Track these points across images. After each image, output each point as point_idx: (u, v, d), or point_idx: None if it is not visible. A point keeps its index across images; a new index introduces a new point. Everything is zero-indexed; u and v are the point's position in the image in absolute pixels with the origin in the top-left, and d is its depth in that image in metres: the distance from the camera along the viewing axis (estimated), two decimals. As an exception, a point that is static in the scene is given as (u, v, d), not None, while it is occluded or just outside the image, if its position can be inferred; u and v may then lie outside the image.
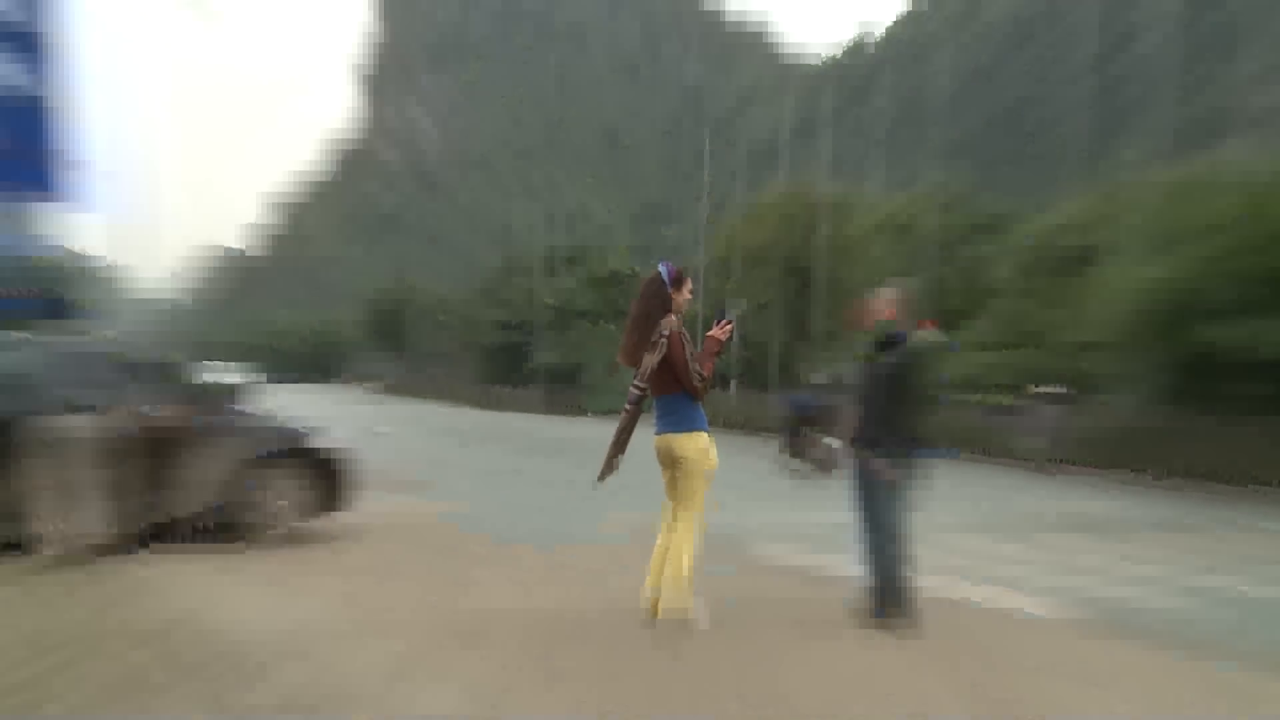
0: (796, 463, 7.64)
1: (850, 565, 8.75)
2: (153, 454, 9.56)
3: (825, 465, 7.66)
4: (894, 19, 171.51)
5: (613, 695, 5.47)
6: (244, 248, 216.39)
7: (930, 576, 8.51)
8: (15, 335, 10.44)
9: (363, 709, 5.08)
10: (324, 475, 10.43)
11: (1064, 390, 26.49)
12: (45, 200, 23.23)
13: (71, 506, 9.10)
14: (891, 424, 7.29)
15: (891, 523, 7.32)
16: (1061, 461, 25.10)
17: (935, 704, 5.53)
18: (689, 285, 7.20)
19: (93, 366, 9.18)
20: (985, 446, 29.78)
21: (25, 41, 16.55)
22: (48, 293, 9.86)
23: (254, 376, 55.10)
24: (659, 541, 7.22)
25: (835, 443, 7.52)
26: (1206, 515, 17.37)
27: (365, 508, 11.42)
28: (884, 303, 7.56)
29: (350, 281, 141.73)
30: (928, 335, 7.55)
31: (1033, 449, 25.61)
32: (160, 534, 9.80)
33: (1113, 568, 11.09)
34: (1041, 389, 26.58)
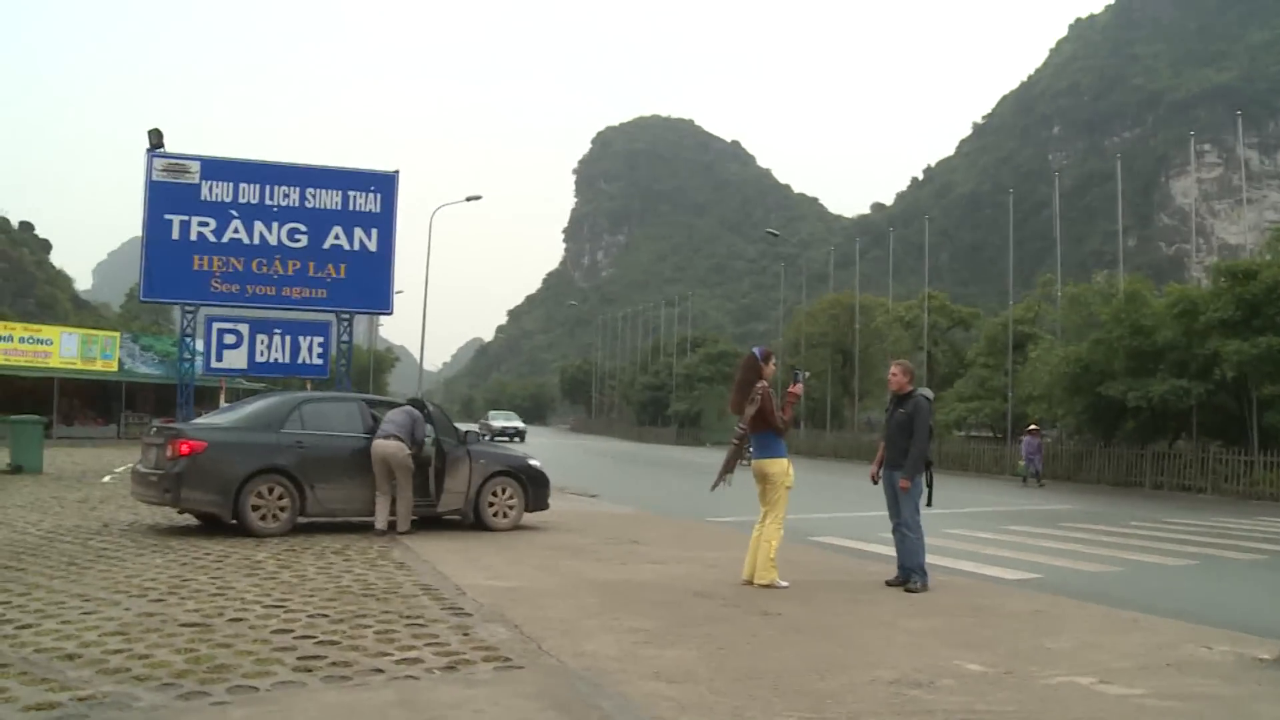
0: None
1: (882, 548, 8.44)
2: (432, 469, 9.71)
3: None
4: (901, 189, 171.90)
5: (724, 635, 5.27)
6: (487, 338, 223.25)
7: (936, 556, 8.24)
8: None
9: (558, 646, 4.93)
10: (533, 484, 10.34)
11: (1039, 427, 25.38)
12: (379, 313, 24.56)
13: (389, 499, 9.27)
14: (907, 452, 7.02)
15: (910, 518, 7.03)
16: (1037, 476, 23.87)
17: (940, 640, 5.25)
18: (773, 361, 7.19)
19: (403, 413, 9.38)
20: (966, 465, 28.99)
21: (374, 221, 17.64)
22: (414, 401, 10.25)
23: (519, 421, 55.37)
24: (754, 533, 7.07)
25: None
26: (1111, 509, 16.59)
27: (558, 507, 11.40)
28: (898, 371, 7.30)
29: (553, 360, 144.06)
30: (925, 392, 7.28)
31: (1022, 468, 24.44)
32: (429, 522, 9.93)
33: (1055, 546, 10.55)
34: (1030, 426, 25.36)
